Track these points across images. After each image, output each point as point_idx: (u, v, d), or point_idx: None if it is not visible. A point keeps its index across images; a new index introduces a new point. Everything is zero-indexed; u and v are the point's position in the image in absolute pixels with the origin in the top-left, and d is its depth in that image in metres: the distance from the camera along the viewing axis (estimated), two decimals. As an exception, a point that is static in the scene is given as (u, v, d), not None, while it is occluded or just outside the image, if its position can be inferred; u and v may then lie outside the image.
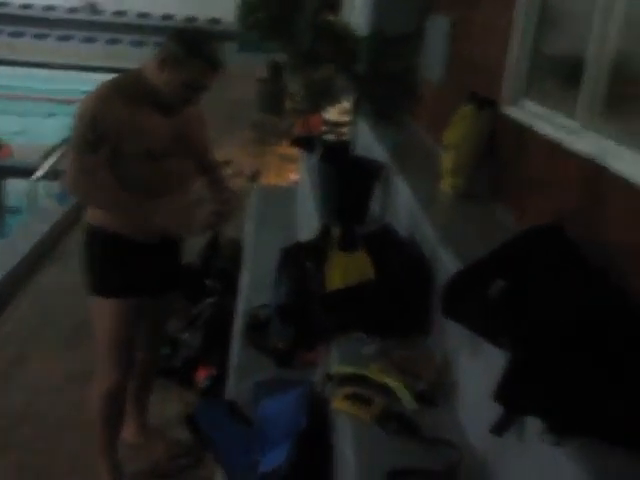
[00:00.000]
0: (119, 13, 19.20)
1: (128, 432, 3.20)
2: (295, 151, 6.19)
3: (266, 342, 2.96)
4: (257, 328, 3.10)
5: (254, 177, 7.73)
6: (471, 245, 2.40)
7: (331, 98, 3.69)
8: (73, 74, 16.38)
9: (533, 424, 1.59)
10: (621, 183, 2.06)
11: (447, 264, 2.33)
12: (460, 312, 1.96)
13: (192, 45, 2.57)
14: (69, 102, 13.95)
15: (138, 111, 2.56)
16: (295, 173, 6.96)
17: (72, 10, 19.19)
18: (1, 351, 4.14)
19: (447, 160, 3.17)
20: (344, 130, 4.33)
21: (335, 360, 2.43)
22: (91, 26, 18.91)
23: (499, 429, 1.67)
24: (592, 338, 1.54)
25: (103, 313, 2.81)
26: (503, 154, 3.08)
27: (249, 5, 10.99)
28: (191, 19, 18.69)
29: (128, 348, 2.88)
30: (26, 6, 19.27)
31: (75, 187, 2.67)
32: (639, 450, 1.45)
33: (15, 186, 7.63)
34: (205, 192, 2.97)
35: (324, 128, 5.59)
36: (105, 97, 2.56)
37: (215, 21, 18.52)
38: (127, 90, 2.59)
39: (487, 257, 1.98)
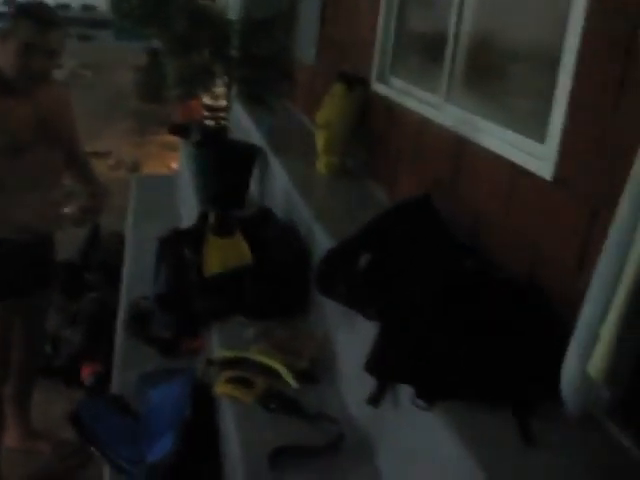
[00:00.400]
0: (88, 8, 18.24)
1: (12, 437, 3.09)
2: (176, 140, 6.09)
3: (149, 333, 2.91)
4: (139, 319, 3.04)
5: (135, 167, 7.56)
6: (345, 222, 2.44)
7: (205, 83, 3.65)
8: None
9: (405, 392, 1.64)
10: (482, 154, 2.14)
11: (322, 242, 2.37)
12: (333, 289, 1.99)
13: (20, 9, 2.48)
14: None
15: None
16: (176, 162, 6.86)
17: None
18: None
19: (320, 140, 3.21)
20: (223, 115, 4.30)
21: (217, 345, 2.43)
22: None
23: (374, 400, 1.72)
24: (454, 305, 1.60)
25: None
26: (374, 131, 3.14)
27: (121, -9, 10.58)
28: (64, 6, 18.02)
29: (2, 351, 2.77)
30: None
31: None
32: (502, 407, 1.52)
33: None
34: (76, 186, 2.88)
35: (204, 114, 5.52)
36: None
37: (89, 8, 17.95)
38: None
39: (357, 233, 2.02)
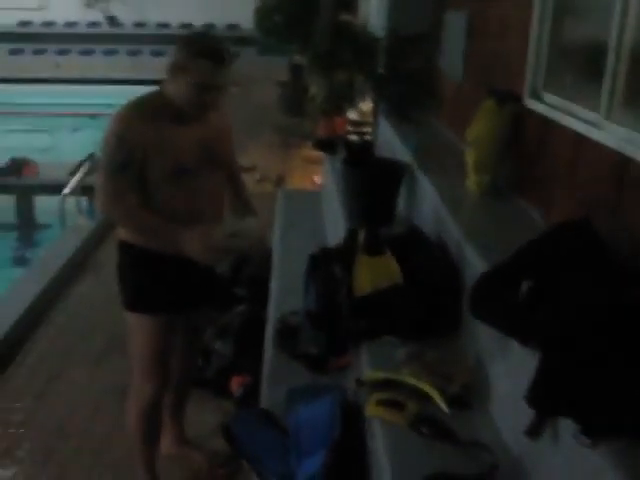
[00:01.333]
0: (139, 24, 19.34)
1: (166, 444, 3.22)
2: (319, 153, 6.19)
3: (298, 348, 2.96)
4: (288, 334, 3.11)
5: (279, 181, 7.74)
6: (498, 244, 2.39)
7: (352, 100, 3.69)
8: (96, 87, 16.56)
9: (567, 426, 1.58)
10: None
11: (474, 264, 2.32)
12: (489, 313, 1.95)
13: (194, 46, 2.56)
14: (93, 116, 14.15)
15: (162, 127, 2.56)
16: (319, 176, 6.96)
17: (92, 24, 19.39)
18: (38, 368, 4.19)
19: (471, 157, 3.16)
20: (367, 130, 4.32)
21: (366, 365, 2.43)
22: (112, 39, 19.08)
23: (533, 432, 1.66)
24: (625, 338, 1.52)
25: (138, 329, 2.82)
26: (527, 149, 3.06)
27: (266, 9, 11.03)
28: (209, 26, 18.75)
29: (163, 362, 2.88)
30: (48, 23, 19.54)
31: (107, 210, 2.67)
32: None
33: (45, 203, 7.72)
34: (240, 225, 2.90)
35: (347, 129, 5.58)
36: (129, 117, 2.56)
37: (233, 27, 18.60)
38: (149, 108, 2.59)
39: (514, 256, 1.97)
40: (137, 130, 2.52)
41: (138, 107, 2.61)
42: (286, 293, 3.60)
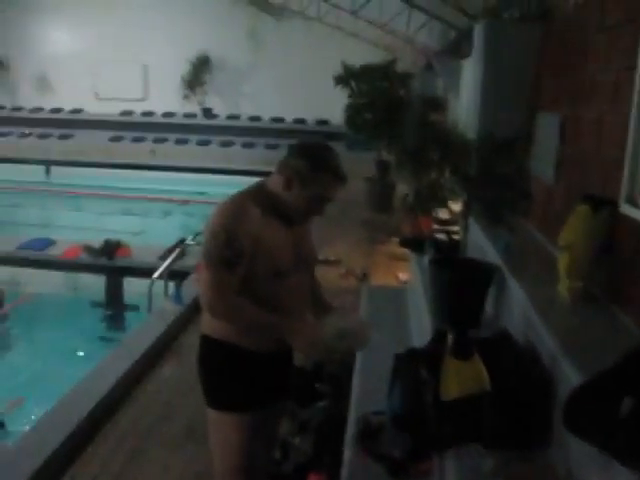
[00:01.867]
0: (232, 117, 20.13)
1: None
2: (404, 250, 6.19)
3: (380, 450, 2.90)
4: (369, 435, 3.05)
5: (364, 276, 7.74)
6: (594, 354, 2.31)
7: (442, 200, 3.70)
8: (189, 175, 17.18)
9: None
10: None
11: (568, 375, 2.24)
12: (585, 428, 1.87)
13: (318, 160, 2.58)
14: (184, 202, 14.63)
15: (268, 226, 2.58)
16: (404, 272, 6.94)
17: (188, 115, 20.29)
18: (119, 447, 4.23)
19: (563, 262, 3.10)
20: (455, 229, 4.31)
21: (451, 473, 2.35)
22: (206, 130, 19.88)
23: None
24: None
25: (223, 427, 2.78)
26: (622, 255, 2.98)
27: (356, 107, 11.39)
28: (300, 121, 19.37)
29: (251, 464, 2.81)
30: (148, 113, 20.56)
31: (215, 305, 2.59)
32: None
33: (134, 285, 7.94)
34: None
35: (435, 227, 5.58)
36: (239, 212, 2.55)
37: (323, 122, 19.14)
38: (258, 204, 2.59)
39: (614, 368, 1.89)
40: (247, 226, 2.53)
41: (246, 202, 2.60)
42: (368, 392, 3.55)
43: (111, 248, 8.14)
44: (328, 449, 3.59)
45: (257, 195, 2.65)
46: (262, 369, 2.72)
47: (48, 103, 21.21)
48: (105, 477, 3.90)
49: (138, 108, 20.68)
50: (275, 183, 2.64)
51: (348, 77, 11.29)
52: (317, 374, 4.35)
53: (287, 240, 2.65)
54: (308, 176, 2.56)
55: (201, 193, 15.31)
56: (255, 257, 2.55)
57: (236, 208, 2.58)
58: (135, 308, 7.81)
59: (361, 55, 13.40)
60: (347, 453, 3.15)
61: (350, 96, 11.37)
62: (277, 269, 2.61)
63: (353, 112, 11.30)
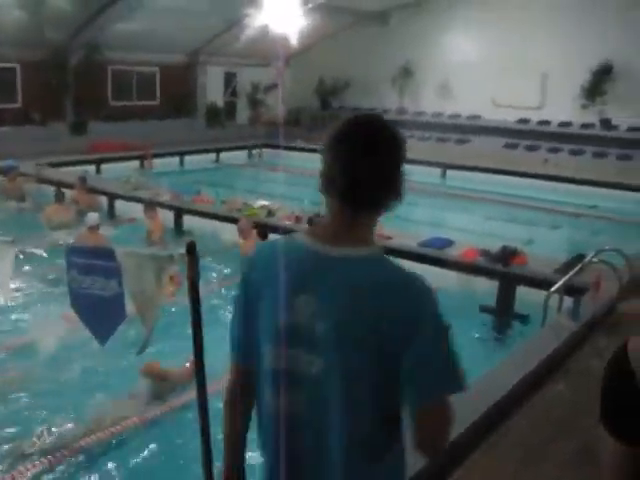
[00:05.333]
0: (633, 129, 18.95)
1: None
2: None
3: None
4: None
5: None
6: None
7: None
8: (581, 188, 16.65)
9: None
10: None
11: None
12: None
13: None
14: (576, 215, 14.19)
15: None
16: None
17: (585, 126, 19.64)
18: (507, 457, 4.27)
19: None
20: None
21: None
22: (603, 141, 19.06)
23: None
24: None
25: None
26: None
27: None
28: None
29: None
30: (543, 122, 20.38)
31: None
32: None
33: (524, 294, 7.91)
34: None
35: None
36: None
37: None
38: None
39: None
40: None
41: None
42: None
43: (508, 255, 8.18)
44: None
45: None
46: None
47: (448, 108, 22.17)
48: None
49: (534, 116, 20.61)
50: None
51: None
52: None
53: None
54: None
55: (594, 207, 14.75)
56: None
57: None
58: (524, 318, 7.79)
59: None
60: None
61: None
62: None
63: None
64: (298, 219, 10.10)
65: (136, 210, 11.83)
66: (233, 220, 10.32)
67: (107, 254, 3.05)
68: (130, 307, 2.93)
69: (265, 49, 21.08)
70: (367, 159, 1.88)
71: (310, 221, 9.80)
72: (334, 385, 1.90)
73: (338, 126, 1.96)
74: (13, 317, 7.64)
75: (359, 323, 1.86)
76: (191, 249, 2.50)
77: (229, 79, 26.06)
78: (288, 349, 1.96)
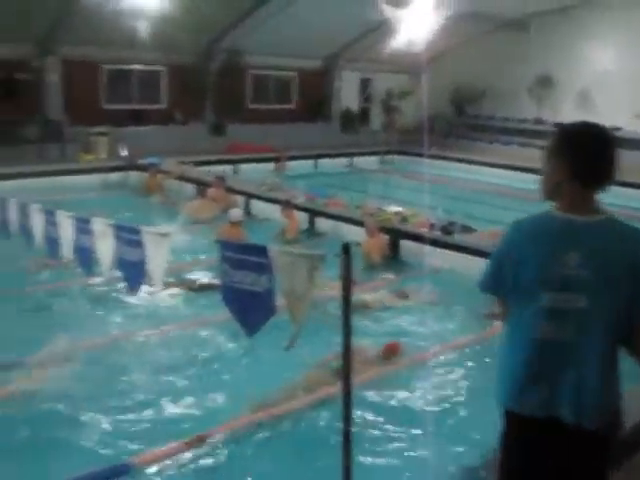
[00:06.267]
0: None
1: None
2: None
3: None
4: None
5: None
6: None
7: None
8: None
9: None
10: None
11: None
12: None
13: None
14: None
15: None
16: None
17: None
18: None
19: None
20: None
21: None
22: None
23: None
24: None
25: None
26: None
27: None
28: None
29: None
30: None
31: None
32: None
33: None
34: None
35: None
36: None
37: None
38: None
39: None
40: None
41: None
42: None
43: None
44: None
45: None
46: None
47: (587, 119, 21.37)
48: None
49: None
50: None
51: None
52: None
53: None
54: None
55: None
56: None
57: None
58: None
59: None
60: None
61: None
62: None
63: None
64: (432, 227, 10.02)
65: (270, 211, 12.12)
66: (363, 224, 10.36)
67: (259, 251, 3.19)
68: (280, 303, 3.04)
69: (401, 56, 21.07)
70: (604, 154, 2.63)
71: (444, 229, 9.72)
72: (595, 314, 2.56)
73: (566, 135, 2.74)
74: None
75: (612, 266, 2.54)
76: (346, 249, 2.57)
77: (364, 85, 26.22)
78: (562, 293, 2.57)
